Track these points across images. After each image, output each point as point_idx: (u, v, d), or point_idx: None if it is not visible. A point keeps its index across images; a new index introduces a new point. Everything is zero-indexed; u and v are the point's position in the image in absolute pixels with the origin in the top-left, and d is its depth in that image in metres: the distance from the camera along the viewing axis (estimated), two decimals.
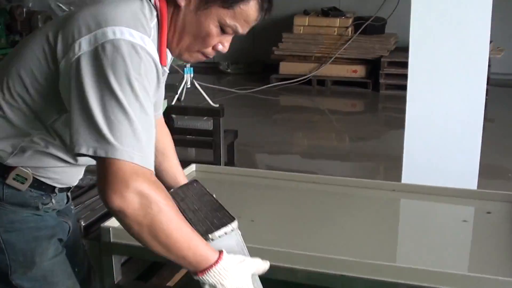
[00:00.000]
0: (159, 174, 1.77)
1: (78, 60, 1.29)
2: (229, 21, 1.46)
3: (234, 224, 1.47)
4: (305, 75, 8.41)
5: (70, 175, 1.56)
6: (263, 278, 2.27)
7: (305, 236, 2.39)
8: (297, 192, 2.83)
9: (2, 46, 5.29)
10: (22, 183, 1.41)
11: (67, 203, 1.70)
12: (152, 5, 1.44)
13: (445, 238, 2.39)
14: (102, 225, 2.42)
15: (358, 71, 8.46)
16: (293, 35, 8.74)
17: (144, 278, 2.73)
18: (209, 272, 1.34)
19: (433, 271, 2.01)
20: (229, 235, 1.46)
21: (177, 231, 1.27)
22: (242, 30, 1.50)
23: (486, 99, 3.26)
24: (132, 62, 1.28)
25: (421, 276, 2.02)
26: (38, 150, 1.42)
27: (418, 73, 3.23)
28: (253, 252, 2.16)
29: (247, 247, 2.15)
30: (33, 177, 1.43)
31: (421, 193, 2.75)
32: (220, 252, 1.38)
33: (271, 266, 2.16)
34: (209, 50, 1.52)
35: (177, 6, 1.45)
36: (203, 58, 1.57)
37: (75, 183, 1.66)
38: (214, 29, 1.47)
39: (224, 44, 1.52)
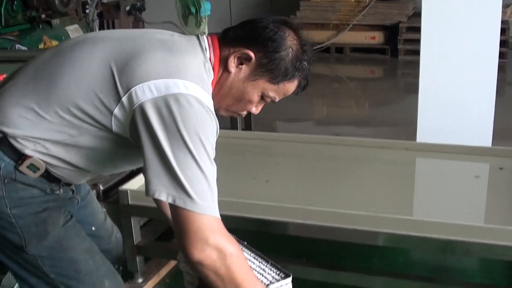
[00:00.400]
0: None
1: (144, 104, 1.34)
2: (271, 93, 1.58)
3: (289, 279, 1.59)
4: (323, 43, 8.35)
5: (78, 178, 1.60)
6: (277, 234, 2.32)
7: (319, 194, 2.43)
8: (312, 153, 2.86)
9: (18, 22, 5.33)
10: (34, 172, 1.45)
11: (72, 193, 1.70)
12: (210, 63, 1.51)
13: (459, 193, 2.42)
14: (120, 188, 2.49)
15: (376, 38, 8.37)
16: (311, 3, 8.67)
17: (164, 239, 2.80)
18: None
19: (449, 223, 2.04)
20: (287, 287, 1.59)
21: (247, 281, 1.40)
22: (278, 99, 1.62)
23: (504, 62, 3.22)
24: (202, 119, 1.36)
25: (437, 229, 2.05)
26: (58, 155, 1.46)
27: (431, 34, 3.21)
28: (269, 209, 2.23)
29: (263, 205, 2.22)
30: (46, 169, 1.47)
31: (434, 151, 2.76)
32: None
33: (285, 223, 2.23)
34: (244, 112, 1.64)
35: (226, 70, 1.53)
36: (236, 116, 1.74)
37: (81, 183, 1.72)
38: (256, 98, 1.58)
39: (258, 108, 1.64)
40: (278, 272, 1.61)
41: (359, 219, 2.13)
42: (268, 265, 1.65)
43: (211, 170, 1.37)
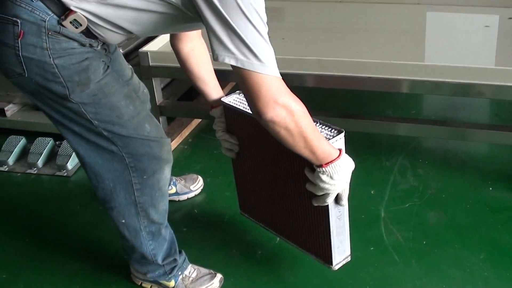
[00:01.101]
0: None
1: None
2: None
3: (342, 134, 1.69)
4: None
5: (116, 38, 1.63)
6: (295, 86, 2.42)
7: (335, 48, 2.51)
8: (326, 12, 2.90)
9: None
10: (76, 27, 1.48)
11: (105, 52, 1.73)
12: None
13: (470, 41, 2.49)
14: (140, 50, 2.55)
15: None
16: None
17: (186, 99, 2.91)
18: (330, 165, 1.58)
19: (461, 67, 2.14)
20: (341, 141, 1.69)
21: (312, 133, 1.50)
22: None
23: None
24: None
25: (449, 72, 2.15)
26: (101, 13, 1.48)
27: None
28: (284, 62, 2.31)
29: (281, 59, 2.29)
30: (87, 26, 1.50)
31: (444, 4, 2.81)
32: (340, 150, 1.62)
33: (301, 75, 2.32)
34: None
35: None
36: None
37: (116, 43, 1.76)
38: None
39: None
40: (330, 129, 1.72)
41: (374, 67, 2.23)
42: (318, 124, 1.74)
43: (267, 33, 1.41)
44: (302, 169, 1.76)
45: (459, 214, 2.17)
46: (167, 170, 1.74)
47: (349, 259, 1.92)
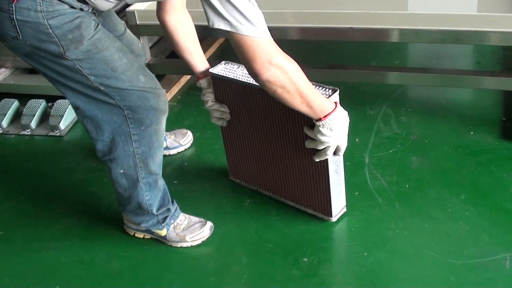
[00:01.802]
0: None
1: None
2: None
3: (337, 93, 1.76)
4: None
5: (106, 5, 1.67)
6: (277, 40, 2.47)
7: (318, 2, 2.53)
8: None
9: None
10: None
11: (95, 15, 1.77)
12: None
13: None
14: (127, 10, 2.58)
15: None
16: None
17: (174, 56, 2.94)
18: (328, 117, 1.66)
19: (442, 14, 2.18)
20: (336, 99, 1.77)
21: (307, 88, 1.58)
22: None
23: None
24: None
25: (431, 20, 2.19)
26: None
27: None
28: (268, 16, 2.35)
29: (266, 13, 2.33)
30: None
31: None
32: (335, 103, 1.70)
33: (283, 28, 2.37)
34: None
35: None
36: None
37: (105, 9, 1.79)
38: None
39: None
40: (325, 89, 1.78)
41: (356, 18, 2.26)
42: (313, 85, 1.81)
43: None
44: (299, 130, 1.84)
45: (441, 158, 2.24)
46: (164, 121, 1.80)
47: (345, 209, 2.00)
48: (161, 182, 1.92)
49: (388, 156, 2.28)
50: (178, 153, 2.45)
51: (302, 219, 2.02)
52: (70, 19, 1.56)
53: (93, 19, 1.64)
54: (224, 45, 3.34)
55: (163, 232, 1.97)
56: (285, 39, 2.43)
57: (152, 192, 1.89)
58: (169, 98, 2.85)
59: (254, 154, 2.08)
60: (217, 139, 2.40)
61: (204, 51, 3.06)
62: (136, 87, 1.68)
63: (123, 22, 2.08)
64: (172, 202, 2.00)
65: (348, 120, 1.74)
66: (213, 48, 3.24)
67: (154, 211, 1.92)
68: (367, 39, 2.34)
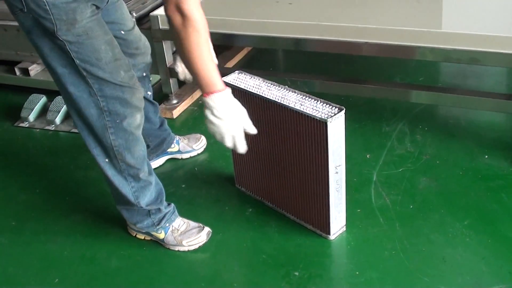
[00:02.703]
0: None
1: None
2: None
3: (343, 112, 1.76)
4: None
5: None
6: (305, 52, 2.46)
7: (344, 13, 2.50)
8: None
9: None
10: None
11: None
12: None
13: (482, 7, 2.46)
14: (151, 14, 2.64)
15: None
16: None
17: None
18: (210, 96, 1.66)
19: (470, 34, 2.16)
20: (342, 118, 1.76)
21: (200, 51, 1.60)
22: None
23: None
24: None
25: (462, 40, 2.16)
26: None
27: None
28: (289, 27, 2.38)
29: (285, 24, 2.35)
30: None
31: None
32: (227, 88, 1.69)
33: (304, 40, 2.37)
34: None
35: None
36: None
37: None
38: None
39: None
40: (331, 107, 1.79)
41: (379, 33, 2.25)
42: (319, 103, 1.82)
43: None
44: (303, 146, 1.85)
45: (450, 181, 2.20)
46: (138, 116, 1.83)
47: (344, 228, 2.00)
48: (152, 179, 1.96)
49: (396, 174, 2.26)
50: (190, 157, 2.48)
51: (300, 233, 2.02)
52: (67, 1, 1.62)
53: (92, 4, 1.70)
54: (251, 54, 3.36)
55: (161, 235, 2.01)
56: (303, 51, 2.46)
57: (139, 184, 1.92)
58: (190, 102, 2.90)
59: (260, 165, 2.10)
60: None
61: (229, 59, 3.15)
62: (114, 79, 1.74)
63: (134, 20, 2.13)
64: (169, 204, 2.03)
65: (241, 112, 1.72)
66: (239, 57, 3.26)
67: (143, 205, 1.94)
68: (390, 55, 2.33)
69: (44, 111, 2.91)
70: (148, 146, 2.35)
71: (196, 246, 2.00)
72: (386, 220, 2.04)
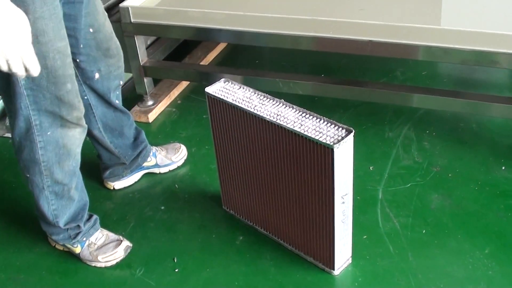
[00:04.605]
0: None
1: None
2: None
3: (352, 135, 1.50)
4: None
5: None
6: (290, 49, 2.19)
7: (340, 7, 2.23)
8: None
9: None
10: None
11: None
12: None
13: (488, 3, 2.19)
14: (121, 5, 2.31)
15: None
16: None
17: (174, 59, 2.67)
18: None
19: (477, 32, 1.88)
20: (350, 142, 1.50)
21: None
22: None
23: None
24: None
25: (464, 38, 1.89)
26: None
27: None
28: (279, 21, 2.07)
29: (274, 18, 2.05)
30: None
31: None
32: None
33: (297, 36, 2.08)
34: None
35: None
36: None
37: None
38: None
39: None
40: (337, 128, 1.51)
41: (377, 30, 1.97)
42: (323, 122, 1.54)
43: None
44: (303, 169, 1.58)
45: (465, 198, 1.95)
46: (76, 133, 1.65)
47: (350, 261, 1.75)
48: (76, 195, 1.77)
49: (405, 191, 2.00)
50: (170, 171, 2.19)
51: (299, 267, 1.76)
52: None
53: (46, 3, 1.43)
54: (226, 51, 3.03)
55: (77, 250, 1.84)
56: (297, 49, 2.17)
57: (59, 202, 1.73)
58: (168, 102, 2.59)
59: (251, 187, 1.82)
60: (214, 157, 2.13)
61: (204, 56, 2.82)
62: (56, 92, 1.52)
63: (106, 14, 1.81)
64: (89, 218, 1.83)
65: (21, 25, 1.28)
66: (214, 53, 2.94)
67: (61, 224, 1.76)
68: (390, 55, 2.03)
69: (4, 115, 2.58)
70: (123, 164, 2.07)
71: (114, 262, 1.82)
72: (397, 248, 1.79)
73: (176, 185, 2.13)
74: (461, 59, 1.92)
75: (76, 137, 1.66)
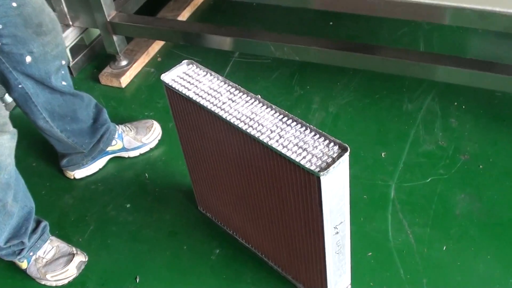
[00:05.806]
0: None
1: None
2: None
3: (347, 154, 1.11)
4: None
5: None
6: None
7: None
8: None
9: None
10: None
11: None
12: None
13: None
14: None
15: None
16: None
17: (146, 13, 2.22)
18: None
19: None
20: (345, 163, 1.11)
21: None
22: None
23: None
24: None
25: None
26: None
27: None
28: None
29: None
30: None
31: None
32: None
33: None
34: None
35: None
36: None
37: None
38: None
39: None
40: (330, 144, 1.12)
41: None
42: (309, 132, 1.15)
43: None
44: (284, 192, 1.20)
45: (500, 202, 1.55)
46: (4, 141, 1.32)
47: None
48: (16, 207, 1.46)
49: (423, 188, 1.61)
50: (140, 154, 1.83)
51: (284, 286, 1.43)
52: None
53: None
54: (203, 7, 2.51)
55: (23, 265, 1.58)
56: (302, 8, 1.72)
57: None
58: (146, 61, 2.19)
59: (226, 195, 1.46)
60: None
61: (178, 12, 2.33)
62: None
63: None
64: (35, 229, 1.54)
65: None
66: (190, 9, 2.44)
67: (1, 243, 1.47)
68: (412, 18, 1.58)
69: None
70: (81, 153, 1.72)
71: (65, 282, 1.55)
72: (409, 272, 1.43)
73: (147, 174, 1.77)
74: (503, 26, 1.45)
75: (4, 146, 1.33)
